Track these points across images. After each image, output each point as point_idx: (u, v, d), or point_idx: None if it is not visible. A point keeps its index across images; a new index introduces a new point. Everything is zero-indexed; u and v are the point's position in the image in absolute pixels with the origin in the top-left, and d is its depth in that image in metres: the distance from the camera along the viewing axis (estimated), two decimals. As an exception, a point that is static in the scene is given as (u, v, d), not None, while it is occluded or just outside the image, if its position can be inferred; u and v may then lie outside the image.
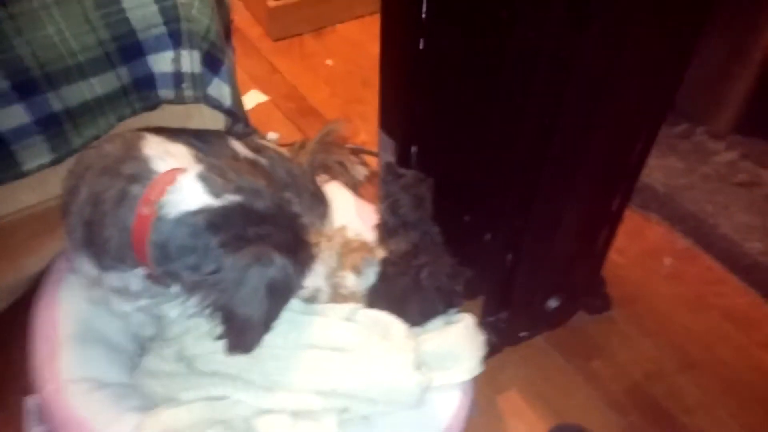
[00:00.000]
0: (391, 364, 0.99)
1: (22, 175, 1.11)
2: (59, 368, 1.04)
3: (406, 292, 1.14)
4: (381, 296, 1.16)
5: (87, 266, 1.00)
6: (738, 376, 1.36)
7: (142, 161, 0.94)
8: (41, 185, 1.18)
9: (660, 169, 1.81)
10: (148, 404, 1.03)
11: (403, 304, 1.12)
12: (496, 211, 1.17)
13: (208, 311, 0.89)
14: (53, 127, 1.09)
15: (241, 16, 2.49)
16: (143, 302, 1.08)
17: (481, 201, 1.22)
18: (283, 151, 1.45)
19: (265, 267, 0.87)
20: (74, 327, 1.11)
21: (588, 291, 1.38)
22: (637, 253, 1.62)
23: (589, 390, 1.33)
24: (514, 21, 0.96)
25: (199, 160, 1.04)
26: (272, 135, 1.90)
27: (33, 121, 1.06)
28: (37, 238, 1.23)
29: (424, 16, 1.13)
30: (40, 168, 1.11)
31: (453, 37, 1.11)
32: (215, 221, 0.88)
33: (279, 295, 0.90)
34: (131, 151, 0.97)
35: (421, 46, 1.19)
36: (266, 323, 0.91)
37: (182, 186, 0.89)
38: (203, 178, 0.91)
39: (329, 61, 2.32)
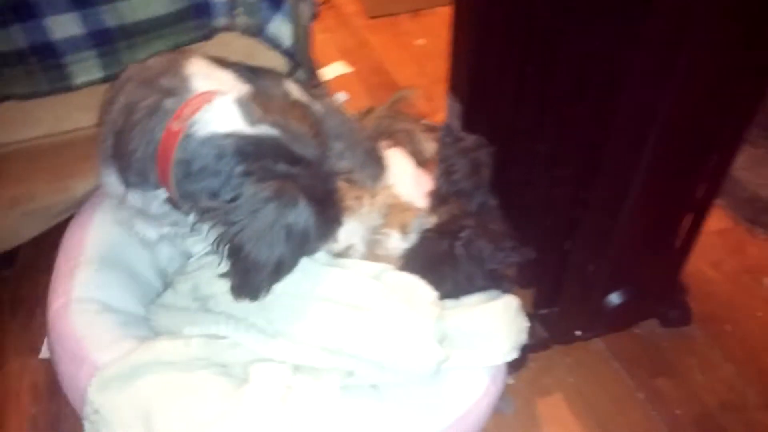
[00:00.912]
0: (407, 328, 0.87)
1: (72, 88, 1.10)
2: (72, 286, 1.01)
3: (438, 258, 1.02)
4: (414, 261, 1.05)
5: (113, 180, 0.97)
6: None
7: (182, 77, 0.90)
8: (97, 107, 1.18)
9: (777, 182, 1.57)
10: (154, 336, 0.98)
11: (436, 271, 1.00)
12: (556, 188, 1.03)
13: (218, 244, 0.83)
14: (106, 43, 1.07)
15: (339, -8, 2.49)
16: (166, 230, 1.04)
17: (543, 178, 1.08)
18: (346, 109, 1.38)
19: (286, 207, 0.80)
20: (99, 249, 1.09)
21: (663, 296, 1.19)
22: (734, 270, 1.40)
23: (648, 410, 1.14)
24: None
25: (243, 87, 1.00)
26: (341, 95, 1.84)
27: (86, 33, 1.05)
28: (87, 161, 1.23)
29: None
30: (91, 84, 1.11)
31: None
32: (244, 149, 0.82)
33: (295, 242, 0.82)
34: (173, 67, 0.93)
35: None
36: (277, 270, 0.83)
37: (218, 107, 0.84)
38: (242, 103, 0.85)
39: (421, 41, 2.24)
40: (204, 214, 0.84)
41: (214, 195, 0.82)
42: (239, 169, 0.81)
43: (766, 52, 0.82)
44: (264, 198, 0.79)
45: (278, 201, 0.79)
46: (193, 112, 0.84)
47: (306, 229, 0.82)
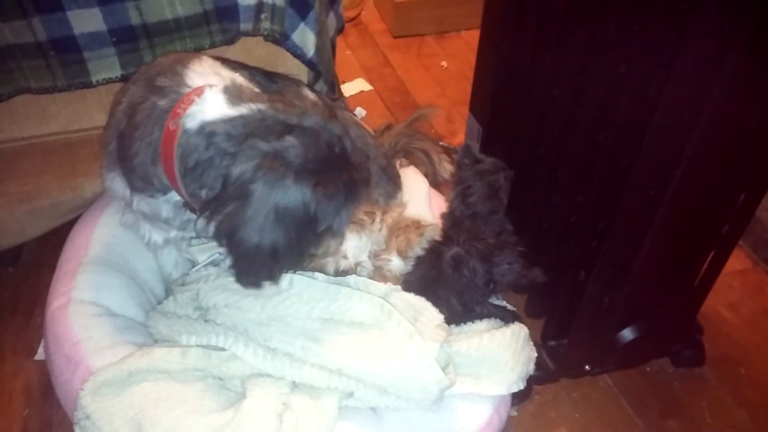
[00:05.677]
0: (410, 351, 0.84)
1: (90, 85, 1.09)
2: (72, 286, 1.00)
3: (431, 279, 0.99)
4: (409, 284, 1.02)
5: (117, 184, 0.95)
6: None
7: (178, 75, 0.87)
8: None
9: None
10: (152, 344, 0.96)
11: (431, 293, 0.96)
12: (574, 216, 1.00)
13: (217, 235, 0.79)
14: (128, 41, 1.07)
15: (367, 11, 2.49)
16: (173, 234, 1.02)
17: (561, 205, 1.05)
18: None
19: (273, 188, 0.75)
20: (103, 251, 1.07)
21: (677, 334, 1.15)
22: (751, 312, 1.36)
23: (656, 453, 1.10)
24: None
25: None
26: (360, 111, 1.83)
27: (108, 30, 1.04)
28: (98, 160, 1.22)
29: None
30: (109, 82, 1.10)
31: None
32: (231, 131, 0.78)
33: (287, 225, 0.76)
34: (174, 66, 0.90)
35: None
36: (273, 256, 0.77)
37: (206, 98, 0.81)
38: (228, 90, 0.82)
39: (444, 63, 2.23)
40: (203, 209, 0.80)
41: (212, 190, 0.80)
42: (226, 152, 0.77)
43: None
44: (247, 180, 0.75)
45: (263, 181, 0.74)
46: (186, 108, 0.81)
47: (298, 209, 0.76)
